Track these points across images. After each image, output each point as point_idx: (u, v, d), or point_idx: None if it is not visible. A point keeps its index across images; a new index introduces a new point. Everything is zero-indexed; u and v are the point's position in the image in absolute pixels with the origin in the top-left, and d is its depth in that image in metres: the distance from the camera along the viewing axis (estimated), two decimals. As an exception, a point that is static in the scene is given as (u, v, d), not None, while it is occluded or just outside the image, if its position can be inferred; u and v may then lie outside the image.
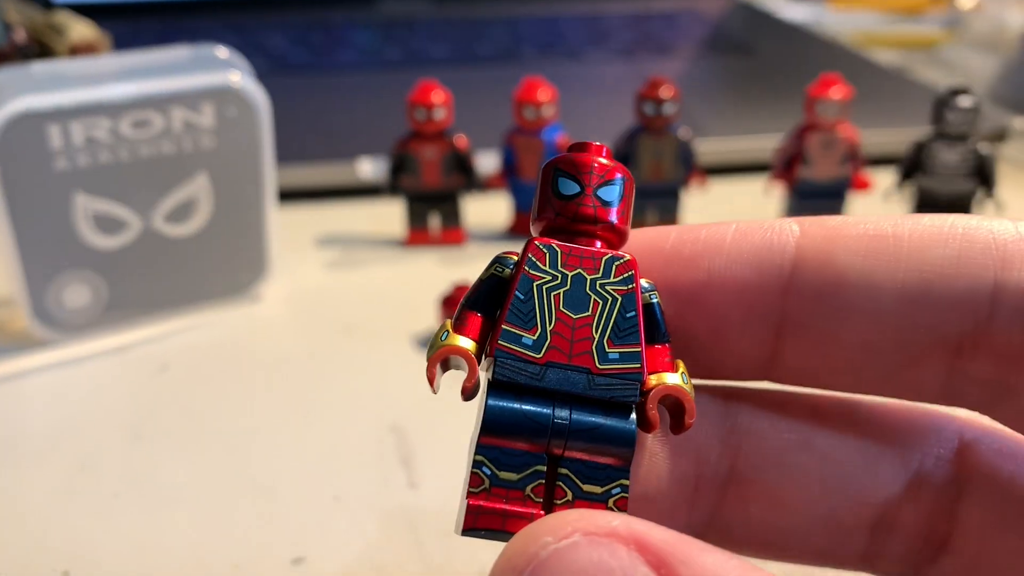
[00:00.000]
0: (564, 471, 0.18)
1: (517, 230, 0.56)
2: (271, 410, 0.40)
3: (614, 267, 0.18)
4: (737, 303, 0.19)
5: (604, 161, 0.19)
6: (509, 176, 0.55)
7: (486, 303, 0.18)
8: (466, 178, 0.54)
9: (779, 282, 0.19)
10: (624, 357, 0.18)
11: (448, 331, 0.18)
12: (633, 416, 0.18)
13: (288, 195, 0.58)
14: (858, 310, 0.18)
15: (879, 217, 0.19)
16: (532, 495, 0.18)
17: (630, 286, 0.18)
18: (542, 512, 0.17)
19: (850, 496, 0.20)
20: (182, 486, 0.35)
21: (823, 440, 0.20)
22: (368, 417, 0.38)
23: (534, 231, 0.19)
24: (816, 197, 0.53)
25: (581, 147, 0.19)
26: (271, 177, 0.46)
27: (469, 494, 0.17)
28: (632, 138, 0.53)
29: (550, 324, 0.18)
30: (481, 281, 0.19)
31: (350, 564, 0.31)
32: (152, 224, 0.44)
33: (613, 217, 0.18)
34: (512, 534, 0.16)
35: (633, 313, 0.18)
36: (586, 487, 0.18)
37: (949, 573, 0.21)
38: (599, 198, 0.18)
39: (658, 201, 0.55)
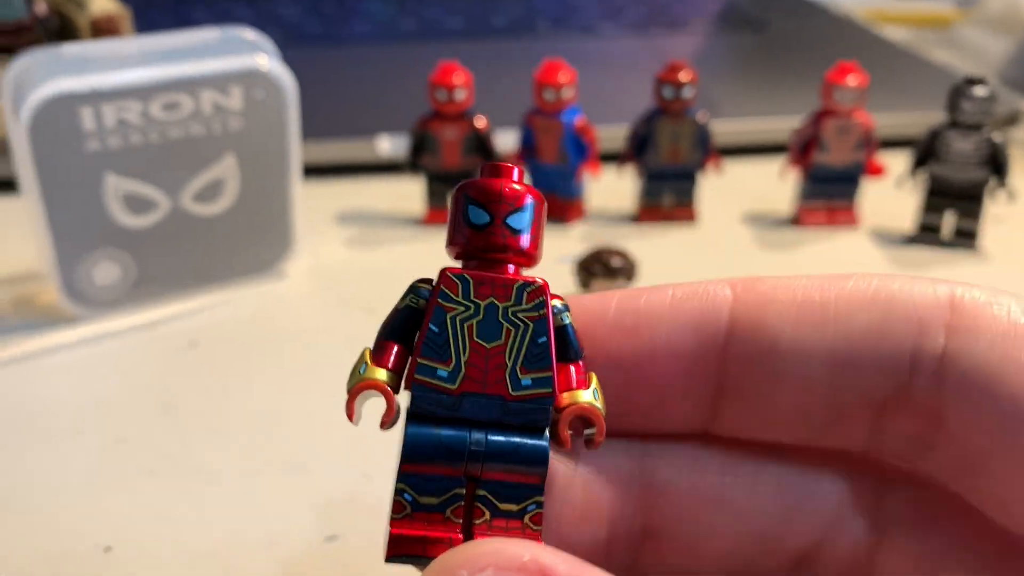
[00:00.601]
0: (482, 492, 0.18)
1: (534, 209, 0.57)
2: (300, 387, 0.41)
3: (525, 294, 0.18)
4: (677, 370, 0.20)
5: (515, 187, 0.19)
6: (527, 157, 0.56)
7: (402, 333, 0.19)
8: (486, 159, 0.55)
9: (715, 348, 0.20)
10: (536, 382, 0.18)
11: (367, 363, 0.19)
12: (547, 434, 0.19)
13: (307, 171, 0.59)
14: (790, 374, 0.19)
15: (808, 281, 0.20)
16: (452, 517, 0.18)
17: (541, 312, 0.19)
18: (460, 536, 0.18)
19: (767, 545, 0.21)
20: (215, 463, 0.36)
21: (738, 494, 0.21)
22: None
23: (449, 255, 0.20)
24: (831, 182, 0.54)
25: (494, 170, 0.19)
26: (296, 157, 0.47)
27: (392, 520, 0.18)
28: (650, 121, 0.54)
29: (464, 355, 0.18)
30: (396, 311, 0.19)
31: (381, 541, 0.32)
32: (181, 204, 0.45)
33: (523, 244, 0.19)
34: (432, 559, 0.17)
35: (544, 339, 0.18)
36: (503, 506, 0.18)
37: None
38: (508, 227, 0.18)
39: (675, 184, 0.55)
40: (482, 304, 0.18)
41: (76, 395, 0.40)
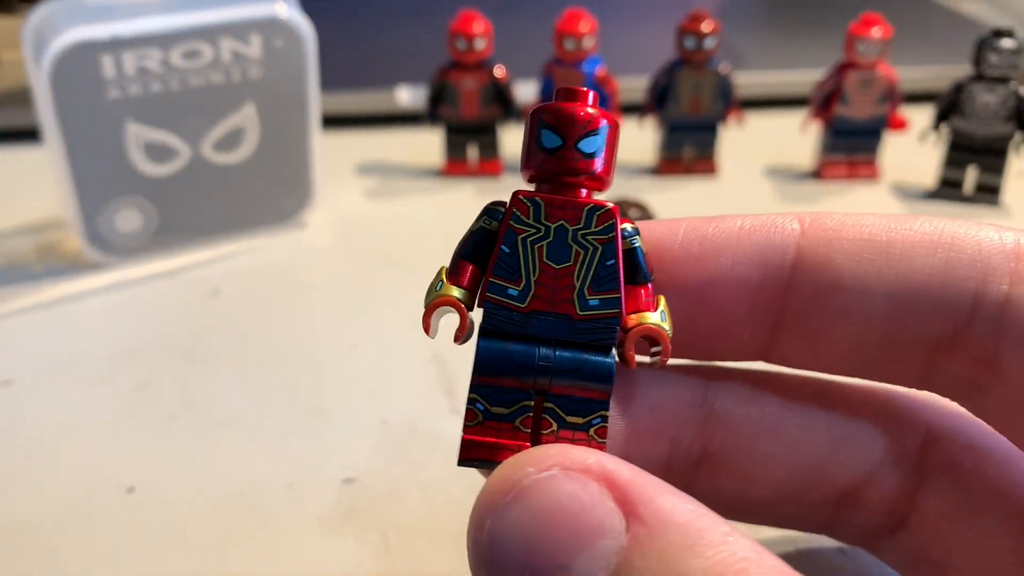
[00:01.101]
0: (549, 405, 0.19)
1: (553, 161, 0.57)
2: (319, 336, 0.41)
3: (595, 217, 0.19)
4: (741, 299, 0.21)
5: (590, 111, 0.19)
6: (547, 107, 0.56)
7: (476, 253, 0.20)
8: (504, 109, 0.55)
9: (780, 280, 0.20)
10: (604, 303, 0.19)
11: (443, 280, 0.20)
12: (613, 352, 0.19)
13: (327, 121, 0.59)
14: (851, 311, 0.20)
15: (875, 220, 0.20)
16: (521, 427, 0.19)
17: (611, 235, 0.19)
18: (528, 444, 0.19)
19: (815, 478, 0.22)
20: (236, 408, 0.37)
21: (793, 428, 0.22)
22: (411, 346, 0.39)
23: (524, 178, 0.20)
24: (852, 135, 0.53)
25: (568, 94, 0.19)
26: (316, 107, 0.47)
27: (465, 428, 0.19)
28: (671, 71, 0.54)
29: (534, 275, 0.19)
30: (471, 232, 0.20)
31: (397, 483, 0.33)
32: (201, 152, 0.45)
33: (596, 167, 0.19)
34: (499, 463, 0.18)
35: (613, 261, 0.19)
36: (570, 418, 0.19)
37: (903, 549, 0.23)
38: (580, 151, 0.19)
39: (696, 135, 0.55)
40: (552, 227, 0.19)
41: (100, 341, 0.41)
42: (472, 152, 0.56)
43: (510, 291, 0.19)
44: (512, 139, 0.57)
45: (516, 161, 0.56)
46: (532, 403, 0.19)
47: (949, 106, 0.51)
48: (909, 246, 0.19)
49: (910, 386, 0.21)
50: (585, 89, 0.19)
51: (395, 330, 0.41)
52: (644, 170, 0.57)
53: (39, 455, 0.34)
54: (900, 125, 0.53)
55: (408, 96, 0.61)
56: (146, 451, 0.34)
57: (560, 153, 0.19)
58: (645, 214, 0.45)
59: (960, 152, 0.51)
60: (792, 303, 0.20)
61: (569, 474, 0.16)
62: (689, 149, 0.55)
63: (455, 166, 0.56)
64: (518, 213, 0.19)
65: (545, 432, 0.19)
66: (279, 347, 0.40)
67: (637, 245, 0.20)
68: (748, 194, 0.54)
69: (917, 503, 0.22)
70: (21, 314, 0.43)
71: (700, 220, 0.21)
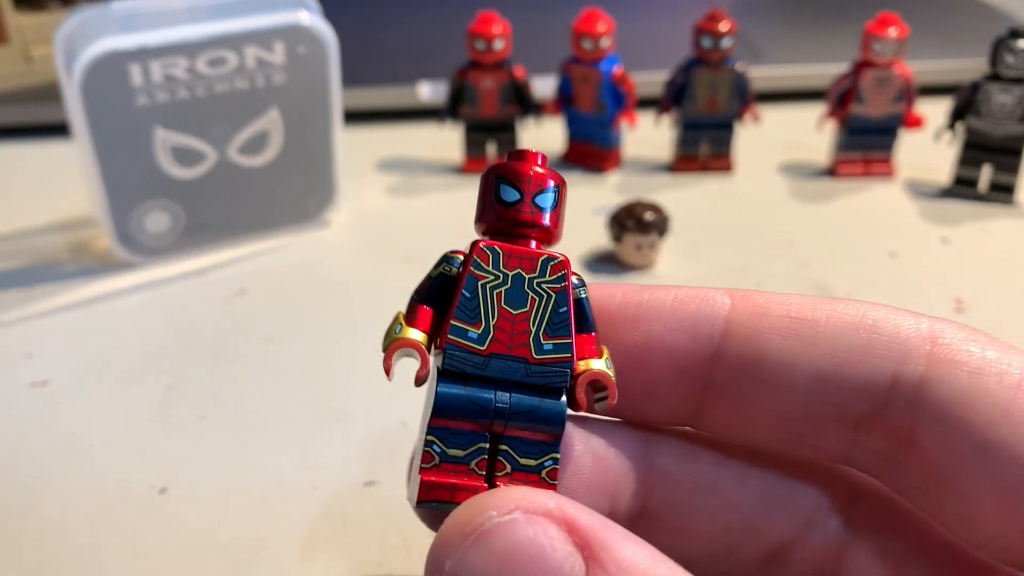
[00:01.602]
0: (504, 447, 0.20)
1: (571, 158, 0.58)
2: (341, 336, 0.42)
3: (549, 267, 0.20)
4: (671, 364, 0.22)
5: (540, 170, 0.21)
6: (564, 105, 0.57)
7: (434, 298, 0.20)
8: (523, 107, 0.56)
9: (709, 350, 0.21)
10: (557, 347, 0.20)
11: (401, 324, 0.20)
12: (563, 398, 0.20)
13: (349, 117, 0.60)
14: (775, 383, 0.21)
15: (801, 300, 0.21)
16: (476, 469, 0.20)
17: (563, 284, 0.20)
18: (485, 485, 0.20)
19: (748, 535, 0.23)
20: (262, 410, 0.38)
21: (728, 484, 0.23)
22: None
23: (477, 231, 0.21)
24: (868, 133, 0.54)
25: (520, 155, 0.21)
26: (338, 110, 0.48)
27: (422, 469, 0.20)
28: (688, 70, 0.54)
29: (493, 319, 0.20)
30: (430, 278, 0.21)
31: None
32: (227, 156, 0.46)
33: (546, 221, 0.21)
34: (459, 504, 0.18)
35: (565, 308, 0.20)
36: (523, 460, 0.20)
37: None
38: (536, 205, 0.21)
39: (712, 134, 0.56)
40: (510, 274, 0.20)
41: (132, 341, 0.42)
42: (491, 150, 0.56)
43: (470, 334, 0.20)
44: (530, 137, 0.58)
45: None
46: (487, 445, 0.20)
47: (965, 105, 0.51)
48: (833, 325, 0.20)
49: (832, 460, 0.22)
50: (534, 152, 0.21)
51: (415, 332, 0.42)
52: (660, 167, 0.57)
53: (74, 456, 0.36)
54: (916, 123, 0.54)
55: (429, 91, 0.62)
56: (177, 452, 0.36)
57: (518, 206, 0.20)
58: (660, 216, 0.46)
59: (975, 151, 0.52)
60: (719, 373, 0.21)
61: (531, 518, 0.17)
62: (705, 147, 0.56)
63: (474, 163, 0.57)
64: (479, 260, 0.20)
65: (499, 474, 0.20)
66: (303, 348, 0.42)
67: (584, 296, 0.21)
68: (763, 192, 0.55)
69: (844, 562, 0.22)
70: (56, 313, 0.44)
71: (637, 287, 0.22)
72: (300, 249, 0.49)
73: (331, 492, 0.34)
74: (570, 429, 0.21)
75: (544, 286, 0.20)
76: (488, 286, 0.20)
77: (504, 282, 0.20)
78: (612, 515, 0.22)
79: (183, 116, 0.44)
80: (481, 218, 0.21)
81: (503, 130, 0.56)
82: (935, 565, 0.22)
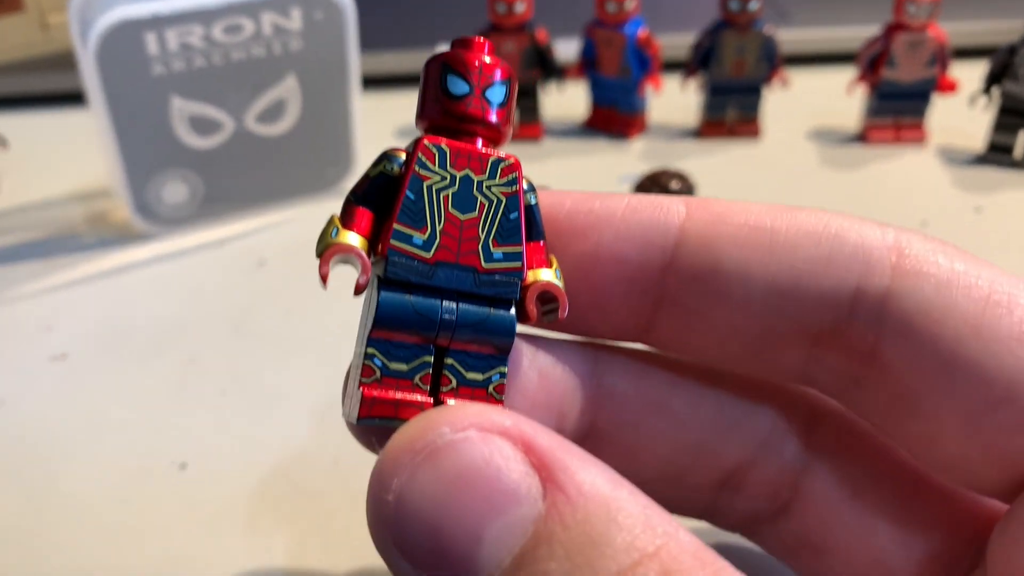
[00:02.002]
0: (449, 361, 0.19)
1: (595, 123, 0.57)
2: (359, 309, 0.42)
3: (500, 169, 0.19)
4: (620, 276, 0.20)
5: (489, 60, 0.19)
6: (588, 69, 0.55)
7: (374, 199, 0.19)
8: (545, 71, 0.55)
9: (661, 260, 0.20)
10: (507, 256, 0.19)
11: (337, 227, 0.18)
12: (513, 310, 0.19)
13: (367, 82, 0.59)
14: (730, 296, 0.19)
15: (760, 208, 0.20)
16: (420, 383, 0.18)
17: (514, 188, 0.19)
18: (430, 400, 0.18)
19: (700, 458, 0.22)
20: (281, 383, 0.38)
21: (680, 404, 0.21)
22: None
23: (419, 128, 0.19)
24: (899, 98, 0.52)
25: (466, 44, 0.19)
26: (356, 77, 0.47)
27: (361, 384, 0.18)
28: (714, 33, 0.53)
29: (439, 224, 0.18)
30: (368, 177, 0.19)
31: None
32: (244, 124, 0.46)
33: (495, 118, 0.19)
34: (405, 420, 0.17)
35: (516, 215, 0.19)
36: (469, 375, 0.19)
37: (783, 534, 0.22)
38: (486, 99, 0.19)
39: (739, 98, 0.54)
40: (458, 175, 0.18)
41: (151, 314, 0.42)
42: (513, 116, 0.55)
43: (415, 239, 0.18)
44: (553, 102, 0.57)
45: (556, 124, 0.56)
46: (431, 359, 0.19)
47: (1001, 69, 0.50)
48: (792, 235, 0.19)
49: (788, 380, 0.21)
50: (481, 40, 0.19)
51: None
52: (686, 133, 0.56)
53: (95, 431, 0.35)
54: (950, 88, 0.52)
55: (449, 56, 0.61)
56: (197, 427, 0.36)
57: (466, 100, 0.19)
58: (686, 185, 0.45)
59: (1010, 116, 0.50)
60: (672, 285, 0.20)
61: (485, 436, 0.16)
62: (732, 111, 0.55)
63: (495, 130, 0.55)
64: (423, 159, 0.18)
65: (444, 389, 0.19)
66: (321, 321, 0.41)
67: (535, 202, 0.20)
68: (791, 158, 0.53)
69: (800, 487, 0.22)
70: (75, 285, 0.44)
71: (588, 195, 0.21)
72: (319, 219, 0.48)
73: (350, 467, 0.34)
74: (517, 343, 0.20)
75: (494, 189, 0.19)
76: (434, 187, 0.18)
77: (451, 184, 0.18)
78: (561, 432, 0.21)
79: (199, 85, 0.43)
80: (422, 113, 0.19)
81: (524, 95, 0.55)
82: (894, 489, 0.21)
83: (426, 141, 0.18)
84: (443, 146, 0.18)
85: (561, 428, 0.21)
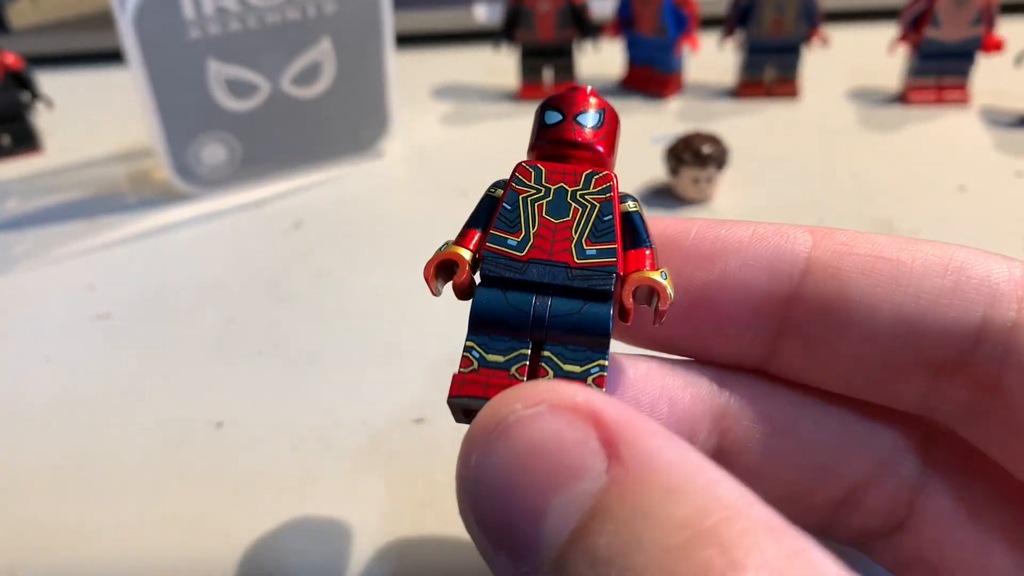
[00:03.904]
0: (547, 353, 0.19)
1: (630, 83, 0.56)
2: (393, 272, 0.43)
3: (593, 180, 0.20)
4: (746, 303, 0.21)
5: (585, 94, 0.21)
6: (624, 28, 0.55)
7: (482, 220, 0.20)
8: (581, 31, 0.54)
9: (787, 289, 0.20)
10: (601, 252, 0.19)
11: (448, 244, 0.20)
12: (610, 303, 0.19)
13: (403, 40, 0.59)
14: (856, 325, 0.20)
15: (885, 239, 0.20)
16: (517, 374, 0.19)
17: (608, 195, 0.20)
18: (521, 381, 0.19)
19: (821, 478, 0.22)
20: (317, 345, 0.39)
21: (804, 426, 0.22)
22: (482, 284, 0.41)
23: (530, 159, 0.21)
24: (942, 58, 0.51)
25: (572, 88, 0.21)
26: (390, 38, 0.47)
27: (459, 372, 0.19)
28: (753, -8, 0.52)
29: (533, 228, 0.20)
30: (480, 203, 0.20)
31: (465, 426, 0.34)
32: (280, 87, 0.46)
33: (592, 138, 0.20)
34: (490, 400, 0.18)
35: (610, 216, 0.20)
36: (567, 367, 0.19)
37: (899, 549, 0.22)
38: (579, 123, 0.20)
39: (778, 58, 0.54)
40: (552, 188, 0.20)
41: (190, 273, 0.43)
42: (548, 75, 0.55)
43: (509, 242, 0.20)
44: (588, 61, 0.57)
45: (592, 83, 0.56)
46: (528, 351, 0.19)
47: (1048, 28, 0.48)
48: (919, 266, 0.19)
49: (908, 409, 0.21)
50: (589, 88, 0.21)
51: (467, 267, 0.42)
52: (723, 92, 0.56)
53: (135, 389, 0.37)
54: (996, 47, 0.51)
55: (485, 13, 0.61)
56: (234, 387, 0.37)
57: (560, 125, 0.20)
58: (718, 147, 0.44)
59: (1057, 77, 0.49)
60: (797, 313, 0.20)
61: (556, 411, 0.16)
62: (771, 71, 0.54)
63: (531, 89, 0.55)
64: (520, 177, 0.20)
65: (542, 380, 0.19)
66: (356, 284, 0.42)
67: (634, 210, 0.20)
68: (829, 120, 0.53)
69: (917, 504, 0.22)
70: (117, 245, 0.45)
71: (713, 221, 0.21)
72: (354, 181, 0.49)
73: (380, 429, 0.35)
74: (647, 371, 0.21)
75: (588, 197, 0.20)
76: (529, 199, 0.20)
77: (546, 195, 0.20)
78: None
79: (235, 48, 0.44)
80: (532, 147, 0.21)
81: (560, 55, 0.55)
82: (1012, 510, 0.21)
83: (524, 163, 0.20)
84: (539, 166, 0.20)
85: None
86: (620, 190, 0.20)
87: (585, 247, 0.19)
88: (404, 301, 0.41)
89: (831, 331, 0.20)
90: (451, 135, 0.53)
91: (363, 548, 0.30)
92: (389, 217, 0.46)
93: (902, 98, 0.53)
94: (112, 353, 0.38)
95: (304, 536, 0.30)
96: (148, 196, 0.48)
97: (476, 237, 0.20)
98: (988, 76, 0.53)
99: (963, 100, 0.52)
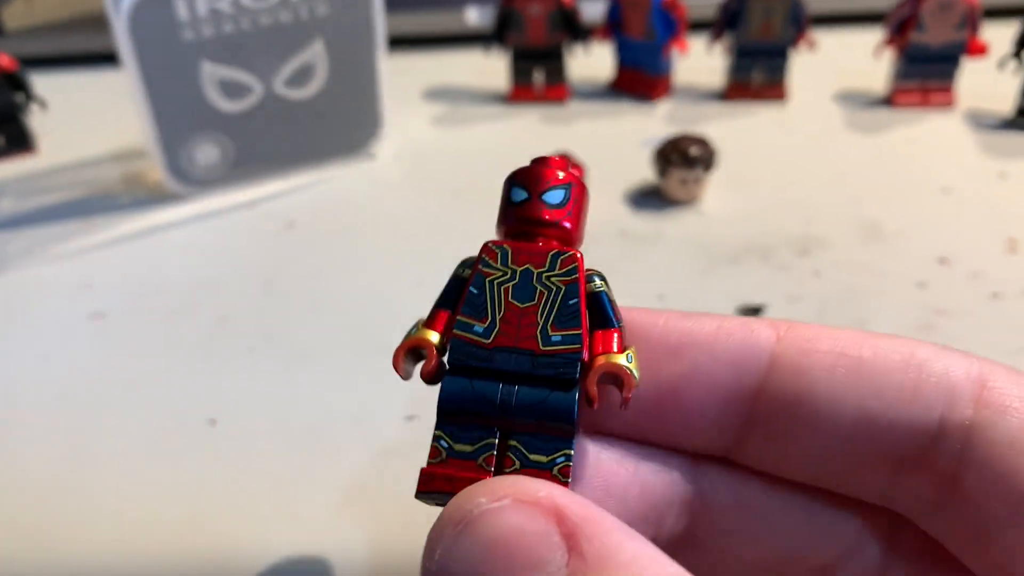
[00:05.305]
0: (513, 443, 0.19)
1: (620, 85, 0.57)
2: (385, 272, 0.43)
3: (559, 260, 0.20)
4: (714, 397, 0.21)
5: (552, 169, 0.20)
6: (613, 31, 0.56)
7: (451, 301, 0.20)
8: (572, 34, 0.55)
9: (753, 383, 0.21)
10: (566, 339, 0.19)
11: (418, 327, 0.20)
12: (575, 391, 0.20)
13: (395, 42, 0.59)
14: (820, 421, 0.20)
15: (847, 334, 0.20)
16: (484, 464, 0.19)
17: (573, 276, 0.20)
18: (490, 473, 0.19)
19: (790, 561, 0.22)
20: (310, 342, 0.39)
21: (771, 512, 0.22)
22: (473, 284, 0.41)
23: (498, 236, 0.21)
24: (928, 62, 0.52)
25: (539, 161, 0.21)
26: (382, 41, 0.48)
27: (429, 464, 0.19)
28: (741, -4, 0.53)
29: (499, 313, 0.19)
30: (448, 282, 0.20)
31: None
32: (273, 88, 0.47)
33: (559, 216, 0.20)
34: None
35: (575, 300, 0.19)
36: (532, 456, 0.19)
37: None
38: (545, 202, 0.20)
39: (766, 61, 0.54)
40: (519, 270, 0.20)
41: (184, 273, 0.43)
42: (539, 78, 0.56)
43: (475, 328, 0.19)
44: (579, 64, 0.57)
45: (582, 86, 0.56)
46: (495, 440, 0.19)
47: (1031, 32, 0.49)
48: (880, 363, 0.20)
49: (870, 500, 0.22)
50: (558, 157, 0.21)
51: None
52: (711, 95, 0.56)
53: (130, 387, 0.37)
54: (979, 51, 0.52)
55: (476, 15, 0.61)
56: (226, 384, 0.37)
57: (526, 204, 0.20)
58: (706, 150, 0.45)
59: (1040, 81, 0.50)
60: (762, 407, 0.21)
61: (519, 505, 0.16)
62: (758, 74, 0.55)
63: (521, 91, 0.56)
64: (487, 259, 0.20)
65: (508, 470, 0.19)
66: (349, 283, 0.42)
67: (602, 290, 0.20)
68: (816, 122, 0.53)
69: None
70: (112, 245, 0.45)
71: (680, 314, 0.22)
72: (347, 182, 0.49)
73: (373, 426, 0.35)
74: (618, 456, 0.21)
75: (554, 279, 0.20)
76: (496, 282, 0.20)
77: (512, 278, 0.20)
78: (655, 541, 0.21)
79: (229, 50, 0.44)
80: (499, 224, 0.21)
81: (551, 57, 0.55)
82: None
83: (490, 243, 0.20)
84: (505, 246, 0.20)
85: (658, 535, 0.22)
86: (587, 268, 0.20)
87: (550, 333, 0.19)
88: (395, 300, 0.41)
89: (796, 426, 0.21)
90: (442, 136, 0.53)
91: (354, 543, 0.30)
92: (381, 217, 0.47)
93: (888, 101, 0.54)
94: (107, 352, 0.39)
95: (296, 532, 0.31)
96: (142, 196, 0.49)
97: (445, 318, 0.20)
98: (972, 79, 0.54)
99: (948, 103, 0.53)
